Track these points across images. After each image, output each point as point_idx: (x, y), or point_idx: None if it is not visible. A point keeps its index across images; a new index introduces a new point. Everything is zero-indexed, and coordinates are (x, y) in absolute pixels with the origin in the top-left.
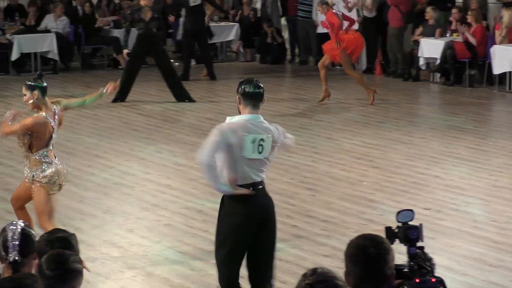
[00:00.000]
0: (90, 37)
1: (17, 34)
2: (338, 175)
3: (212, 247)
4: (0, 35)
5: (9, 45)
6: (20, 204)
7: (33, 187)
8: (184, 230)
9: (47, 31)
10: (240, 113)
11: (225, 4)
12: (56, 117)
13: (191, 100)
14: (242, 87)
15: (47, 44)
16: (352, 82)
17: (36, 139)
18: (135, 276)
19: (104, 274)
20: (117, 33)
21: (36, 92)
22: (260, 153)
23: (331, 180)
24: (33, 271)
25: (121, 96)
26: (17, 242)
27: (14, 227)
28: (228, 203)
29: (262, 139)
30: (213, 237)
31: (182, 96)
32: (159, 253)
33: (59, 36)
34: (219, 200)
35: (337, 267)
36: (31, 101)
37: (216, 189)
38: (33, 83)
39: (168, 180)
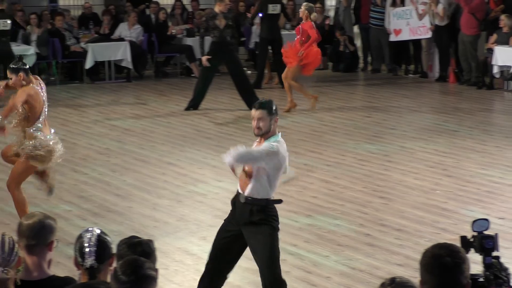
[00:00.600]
0: (163, 46)
1: (91, 42)
2: (411, 184)
3: (285, 255)
4: (75, 44)
5: (84, 53)
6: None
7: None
8: None
9: (121, 39)
10: (269, 131)
11: (297, 12)
12: (43, 89)
13: None
14: (275, 108)
15: (120, 53)
16: (426, 90)
17: (30, 111)
18: None
19: (178, 282)
20: (190, 41)
21: (21, 74)
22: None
23: (404, 189)
24: (108, 277)
25: (194, 104)
26: (94, 248)
27: (91, 234)
28: (272, 208)
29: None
30: (286, 245)
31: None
32: None
33: (132, 45)
34: (293, 208)
35: (411, 276)
36: (20, 82)
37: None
38: (16, 66)
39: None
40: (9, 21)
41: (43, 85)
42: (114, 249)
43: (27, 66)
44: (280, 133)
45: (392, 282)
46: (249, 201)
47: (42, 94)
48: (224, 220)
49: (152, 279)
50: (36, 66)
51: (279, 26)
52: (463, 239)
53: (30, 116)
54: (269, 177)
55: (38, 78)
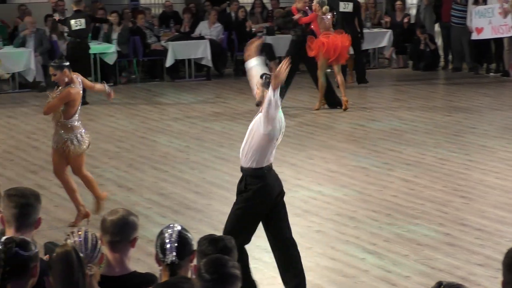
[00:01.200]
0: (243, 44)
1: (172, 40)
2: (492, 183)
3: (364, 254)
4: (155, 42)
5: (164, 51)
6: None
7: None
8: (336, 237)
9: (201, 37)
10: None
11: (378, 10)
12: (80, 86)
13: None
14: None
15: (201, 51)
16: (507, 89)
17: (70, 107)
18: None
19: (257, 279)
20: (270, 39)
21: (65, 70)
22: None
23: (485, 188)
24: (189, 273)
25: (334, 100)
26: (175, 245)
27: (172, 230)
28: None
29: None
30: (365, 244)
31: (334, 102)
32: (311, 259)
33: (212, 43)
34: (372, 207)
35: (492, 276)
36: (64, 78)
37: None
38: (59, 63)
39: (319, 186)
40: (83, 20)
41: (80, 80)
42: (194, 246)
43: (68, 63)
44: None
45: (439, 285)
46: None
47: (81, 93)
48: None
49: (236, 278)
50: (116, 64)
51: (355, 24)
52: None
53: (69, 111)
54: None
55: (78, 74)
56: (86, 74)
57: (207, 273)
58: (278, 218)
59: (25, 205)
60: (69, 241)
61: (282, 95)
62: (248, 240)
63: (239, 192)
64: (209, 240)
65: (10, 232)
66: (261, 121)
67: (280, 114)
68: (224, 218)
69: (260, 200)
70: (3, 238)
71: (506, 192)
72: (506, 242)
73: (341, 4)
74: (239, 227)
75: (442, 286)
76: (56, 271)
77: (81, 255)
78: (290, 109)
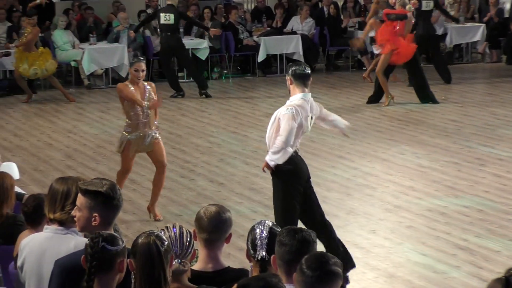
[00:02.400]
0: (335, 39)
1: (263, 36)
2: None
3: (455, 250)
4: (248, 37)
5: (256, 47)
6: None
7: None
8: (427, 232)
9: (293, 32)
10: (290, 93)
11: (472, 5)
12: None
13: (435, 101)
14: (293, 68)
15: (292, 46)
16: None
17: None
18: (377, 277)
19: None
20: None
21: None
22: (309, 130)
23: None
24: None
25: (376, 98)
26: (266, 241)
27: (262, 226)
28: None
29: (312, 117)
30: (456, 240)
31: (426, 97)
32: (402, 255)
33: (304, 38)
34: (464, 203)
35: None
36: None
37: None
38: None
39: (410, 181)
40: (172, 16)
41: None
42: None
43: None
44: (301, 94)
45: (508, 270)
46: None
47: None
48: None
49: (338, 276)
50: (209, 59)
51: (431, 22)
52: None
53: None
54: None
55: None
56: (186, 67)
57: (309, 269)
58: (310, 200)
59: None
60: (164, 236)
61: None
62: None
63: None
64: (288, 231)
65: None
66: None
67: (312, 103)
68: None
69: (292, 181)
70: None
71: None
72: None
73: (424, 3)
74: (289, 217)
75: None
76: (138, 260)
77: (163, 248)
78: (381, 104)
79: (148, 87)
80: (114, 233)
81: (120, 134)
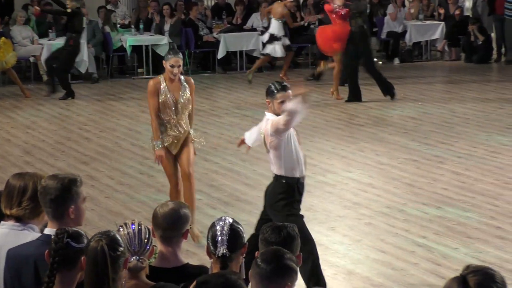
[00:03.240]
0: (295, 36)
1: (224, 32)
2: None
3: (414, 247)
4: (208, 34)
5: (216, 43)
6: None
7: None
8: (386, 229)
9: (253, 29)
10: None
11: (431, 2)
12: None
13: (393, 97)
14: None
15: (252, 43)
16: None
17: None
18: (336, 274)
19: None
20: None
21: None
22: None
23: None
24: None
25: (354, 97)
26: (226, 237)
27: (223, 222)
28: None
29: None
30: (415, 237)
31: (387, 91)
32: (360, 252)
33: None
34: (423, 200)
35: None
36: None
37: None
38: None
39: (370, 179)
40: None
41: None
42: (246, 239)
43: None
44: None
45: (467, 267)
46: None
47: None
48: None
49: (292, 270)
50: None
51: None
52: None
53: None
54: None
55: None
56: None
57: (264, 262)
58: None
59: (49, 199)
60: (121, 232)
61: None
62: None
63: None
64: (272, 228)
65: (49, 223)
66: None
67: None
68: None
69: None
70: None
71: None
72: None
73: None
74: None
75: (469, 269)
76: (86, 263)
77: (116, 253)
78: (341, 101)
79: (185, 83)
80: (80, 231)
81: (150, 141)
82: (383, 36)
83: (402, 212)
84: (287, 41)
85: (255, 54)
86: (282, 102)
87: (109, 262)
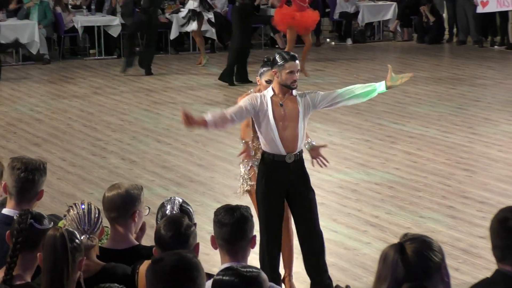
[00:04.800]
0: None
1: (176, 13)
2: (495, 156)
3: (366, 227)
4: (160, 14)
5: (169, 24)
6: None
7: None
8: (338, 209)
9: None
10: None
11: None
12: None
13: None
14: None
15: (205, 24)
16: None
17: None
18: None
19: (255, 251)
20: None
21: None
22: None
23: (488, 161)
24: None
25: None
26: None
27: (172, 203)
28: None
29: None
30: (367, 217)
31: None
32: None
33: (217, 15)
34: (375, 180)
35: None
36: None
37: None
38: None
39: None
40: None
41: None
42: (195, 219)
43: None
44: None
45: (405, 235)
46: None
47: None
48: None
49: (191, 236)
50: (120, 37)
51: None
52: None
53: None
54: None
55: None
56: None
57: (164, 230)
58: None
59: (26, 181)
60: (71, 213)
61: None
62: None
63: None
64: (226, 210)
65: (11, 204)
66: None
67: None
68: (227, 191)
69: None
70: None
71: (508, 165)
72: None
73: None
74: None
75: (407, 237)
76: (44, 251)
77: (72, 245)
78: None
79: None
80: (43, 213)
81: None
82: (336, 16)
83: (354, 192)
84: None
85: (207, 35)
86: (291, 72)
87: (68, 248)
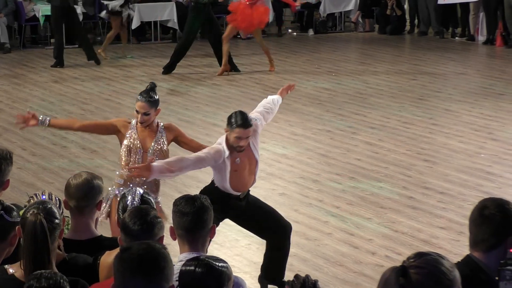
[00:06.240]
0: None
1: (138, 2)
2: (456, 147)
3: (327, 217)
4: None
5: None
6: None
7: None
8: (300, 200)
9: (167, 0)
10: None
11: None
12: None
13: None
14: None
15: (167, 13)
16: (472, 54)
17: None
18: (249, 244)
19: (219, 242)
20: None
21: (159, 108)
22: None
23: (448, 152)
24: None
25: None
26: None
27: (134, 193)
28: None
29: None
30: (329, 207)
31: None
32: None
33: (179, 5)
34: (336, 170)
35: (453, 239)
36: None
37: None
38: (157, 97)
39: (284, 149)
40: None
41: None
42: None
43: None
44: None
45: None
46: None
47: None
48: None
49: (157, 226)
50: (82, 26)
51: None
52: None
53: None
54: None
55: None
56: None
57: (130, 220)
58: None
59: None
60: (55, 209)
61: None
62: None
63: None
64: (186, 199)
65: None
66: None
67: None
68: (188, 181)
69: None
70: None
71: (469, 155)
72: (468, 206)
73: None
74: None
75: (413, 261)
76: (24, 237)
77: (53, 225)
78: (256, 73)
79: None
80: (13, 206)
81: None
82: (298, 7)
83: (316, 182)
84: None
85: (169, 24)
86: (239, 138)
87: (48, 235)
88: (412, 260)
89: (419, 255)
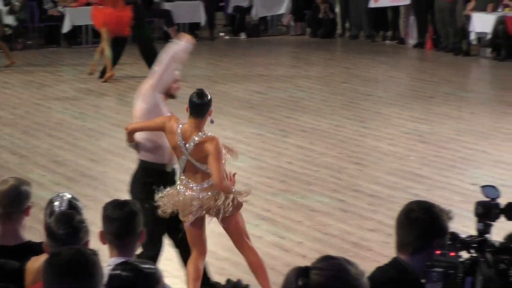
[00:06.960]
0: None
1: (69, 6)
2: (386, 150)
3: (258, 221)
4: (52, 8)
5: (61, 17)
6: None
7: None
8: None
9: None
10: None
11: None
12: None
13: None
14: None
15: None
16: (403, 57)
17: None
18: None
19: None
20: (169, 6)
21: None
22: None
23: (378, 155)
24: None
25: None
26: None
27: (61, 199)
28: None
29: None
30: (259, 211)
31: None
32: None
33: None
34: (267, 174)
35: (383, 241)
36: None
37: None
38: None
39: None
40: None
41: None
42: (84, 214)
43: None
44: None
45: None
46: None
47: None
48: None
49: (82, 230)
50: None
51: None
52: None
53: None
54: None
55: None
56: None
57: (55, 224)
58: None
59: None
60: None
61: None
62: None
63: None
64: (114, 205)
65: None
66: None
67: None
68: (120, 186)
69: None
70: None
71: (398, 158)
72: (397, 208)
73: None
74: None
75: (317, 263)
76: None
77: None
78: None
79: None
80: None
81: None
82: (230, 10)
83: (246, 185)
84: None
85: None
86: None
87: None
88: (317, 262)
89: (326, 258)
